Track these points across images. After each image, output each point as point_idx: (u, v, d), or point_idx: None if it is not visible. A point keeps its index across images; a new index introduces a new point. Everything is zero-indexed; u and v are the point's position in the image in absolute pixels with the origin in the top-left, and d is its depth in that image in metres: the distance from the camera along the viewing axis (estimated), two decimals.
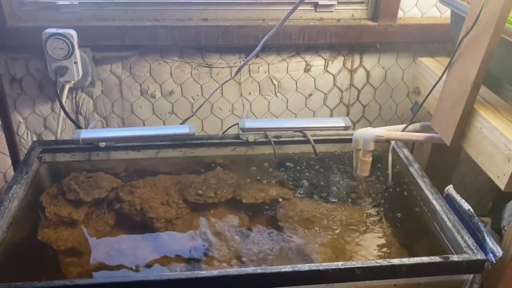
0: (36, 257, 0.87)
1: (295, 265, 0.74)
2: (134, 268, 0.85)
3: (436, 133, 0.95)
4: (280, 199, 1.00)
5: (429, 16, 1.20)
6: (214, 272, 0.72)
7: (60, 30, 1.02)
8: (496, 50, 0.79)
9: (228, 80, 1.09)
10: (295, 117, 1.27)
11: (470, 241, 0.81)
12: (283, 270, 0.73)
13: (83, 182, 1.01)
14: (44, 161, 1.06)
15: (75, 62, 1.05)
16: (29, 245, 0.88)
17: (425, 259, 0.76)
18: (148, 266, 0.86)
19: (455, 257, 0.77)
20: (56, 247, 0.88)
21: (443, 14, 1.21)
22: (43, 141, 1.09)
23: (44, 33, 1.01)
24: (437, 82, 0.95)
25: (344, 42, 1.16)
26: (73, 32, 1.02)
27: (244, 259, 0.87)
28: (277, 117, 1.27)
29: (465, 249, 0.80)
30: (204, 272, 0.72)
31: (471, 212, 0.85)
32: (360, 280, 0.76)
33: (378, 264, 0.75)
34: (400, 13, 1.17)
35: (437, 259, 0.76)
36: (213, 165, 1.09)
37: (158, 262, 0.87)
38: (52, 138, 1.20)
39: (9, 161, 1.20)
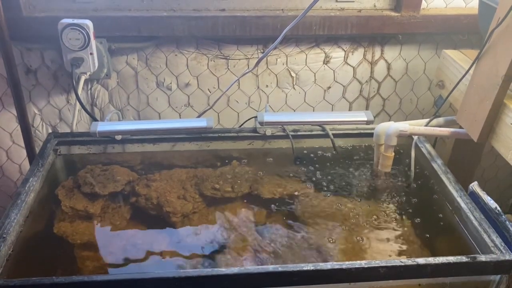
0: (53, 251, 0.86)
1: (317, 263, 0.72)
2: (150, 263, 0.84)
3: (462, 128, 0.92)
4: (298, 194, 0.98)
5: (453, 6, 1.16)
6: (234, 270, 0.70)
7: (76, 21, 1.00)
8: None
9: (246, 72, 1.07)
10: (313, 110, 1.25)
11: (498, 240, 0.78)
12: (304, 268, 0.71)
13: (99, 175, 1.00)
14: (60, 153, 1.05)
15: (91, 53, 1.03)
16: (45, 239, 0.87)
17: (451, 259, 0.73)
18: (165, 261, 0.85)
19: (482, 257, 0.74)
20: (72, 241, 0.87)
21: (468, 5, 1.17)
22: (59, 133, 1.08)
23: (60, 24, 1.00)
24: (464, 75, 0.91)
25: (365, 33, 1.13)
26: (89, 23, 1.01)
27: (262, 255, 0.85)
28: (294, 110, 1.24)
29: (492, 249, 0.77)
30: (224, 269, 0.70)
31: (498, 210, 0.82)
32: (383, 280, 0.73)
33: (403, 263, 0.72)
34: (423, 4, 1.13)
35: (463, 259, 0.74)
36: (226, 161, 1.06)
37: (175, 257, 0.85)
38: (67, 130, 1.19)
39: (24, 153, 1.20)
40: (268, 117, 0.96)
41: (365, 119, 0.93)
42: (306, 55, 1.17)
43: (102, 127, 0.93)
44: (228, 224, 0.92)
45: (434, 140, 1.12)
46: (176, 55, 1.14)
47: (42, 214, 0.91)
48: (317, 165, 1.06)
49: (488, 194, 0.86)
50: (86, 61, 1.04)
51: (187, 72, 1.16)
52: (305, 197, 0.97)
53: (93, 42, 1.03)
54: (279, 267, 0.71)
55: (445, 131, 0.95)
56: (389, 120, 1.25)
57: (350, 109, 1.26)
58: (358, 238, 0.88)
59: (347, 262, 0.72)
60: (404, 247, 0.86)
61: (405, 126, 0.95)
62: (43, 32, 1.05)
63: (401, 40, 1.17)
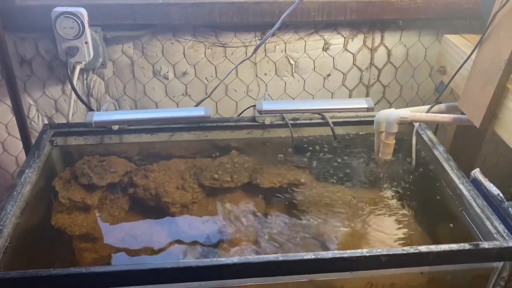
0: (51, 242, 0.85)
1: (318, 252, 0.71)
2: (149, 254, 0.84)
3: (464, 114, 0.91)
4: (298, 184, 0.97)
5: None
6: (234, 259, 0.69)
7: (70, 9, 0.98)
8: None
9: (244, 60, 1.05)
10: (313, 98, 1.23)
11: (501, 227, 0.77)
12: (305, 257, 0.70)
13: (96, 166, 0.99)
14: (56, 144, 1.04)
15: (86, 42, 1.02)
16: (43, 231, 0.87)
17: (454, 246, 0.72)
18: (164, 251, 0.84)
19: (485, 244, 0.73)
20: (70, 233, 0.86)
21: None
22: (55, 124, 1.06)
23: (54, 12, 0.98)
24: (466, 60, 0.90)
25: (365, 19, 1.11)
26: (83, 11, 0.99)
27: (262, 245, 0.84)
28: (293, 99, 1.23)
29: (495, 235, 0.76)
30: (224, 259, 0.69)
31: (501, 197, 0.81)
32: (385, 268, 0.73)
33: (405, 252, 0.71)
34: None
35: (466, 246, 0.73)
36: (219, 152, 1.05)
37: (174, 247, 0.85)
38: (64, 121, 1.17)
39: (20, 144, 1.18)
40: (267, 106, 0.95)
41: (366, 106, 0.92)
42: (305, 42, 1.15)
43: (98, 117, 0.92)
44: (227, 214, 0.92)
45: (436, 127, 1.10)
46: (172, 43, 1.12)
47: (39, 205, 0.90)
48: (317, 154, 1.05)
49: (490, 181, 0.85)
50: (81, 50, 1.02)
51: (184, 61, 1.14)
52: (305, 186, 0.97)
53: (87, 30, 1.01)
54: (280, 257, 0.70)
55: (447, 117, 0.94)
56: (390, 108, 1.23)
57: (350, 97, 1.24)
58: (359, 226, 0.87)
59: (348, 251, 0.71)
60: (406, 234, 0.86)
61: (406, 113, 0.94)
62: (36, 21, 1.03)
63: (401, 26, 1.15)
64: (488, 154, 1.38)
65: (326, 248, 0.83)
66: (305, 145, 1.07)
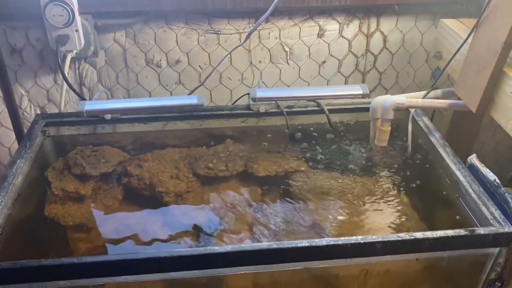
0: (44, 233, 0.84)
1: (312, 239, 0.70)
2: (144, 243, 0.83)
3: (460, 99, 0.90)
4: (294, 172, 0.96)
5: None
6: (227, 248, 0.69)
7: None
8: None
9: (237, 47, 1.03)
10: (308, 85, 1.22)
11: (497, 213, 0.76)
12: (300, 245, 0.69)
13: (89, 156, 0.98)
14: (48, 134, 1.03)
15: (76, 30, 1.00)
16: (36, 221, 0.86)
17: (449, 232, 0.72)
18: (158, 241, 0.83)
19: (481, 230, 0.73)
20: (63, 223, 0.86)
21: None
22: (47, 114, 1.05)
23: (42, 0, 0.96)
24: (462, 44, 0.88)
25: (360, 4, 1.09)
26: None
27: (257, 233, 0.84)
28: (288, 86, 1.21)
29: (491, 221, 0.76)
30: (217, 248, 0.69)
31: (497, 183, 0.81)
32: (381, 255, 0.72)
33: (400, 238, 0.71)
34: None
35: (462, 232, 0.72)
36: (213, 141, 1.04)
37: (169, 237, 0.84)
38: (56, 110, 1.16)
39: (13, 135, 1.17)
40: (261, 93, 0.94)
41: (361, 92, 0.91)
42: (300, 28, 1.13)
43: (89, 106, 0.91)
44: (222, 203, 0.91)
45: (432, 113, 1.09)
46: (165, 30, 1.10)
47: (32, 196, 0.89)
48: (312, 142, 1.04)
49: (487, 168, 0.84)
50: (71, 39, 1.00)
51: (177, 49, 1.12)
52: (301, 174, 0.96)
53: (78, 18, 0.99)
54: (274, 244, 0.69)
55: (443, 103, 0.93)
56: (386, 94, 1.22)
57: (346, 84, 1.23)
58: (354, 213, 0.87)
59: (343, 238, 0.70)
60: (402, 221, 0.85)
61: (402, 99, 0.93)
62: (26, 9, 1.01)
63: (397, 11, 1.14)
64: (486, 140, 1.37)
65: (322, 236, 0.82)
66: (301, 133, 1.06)
